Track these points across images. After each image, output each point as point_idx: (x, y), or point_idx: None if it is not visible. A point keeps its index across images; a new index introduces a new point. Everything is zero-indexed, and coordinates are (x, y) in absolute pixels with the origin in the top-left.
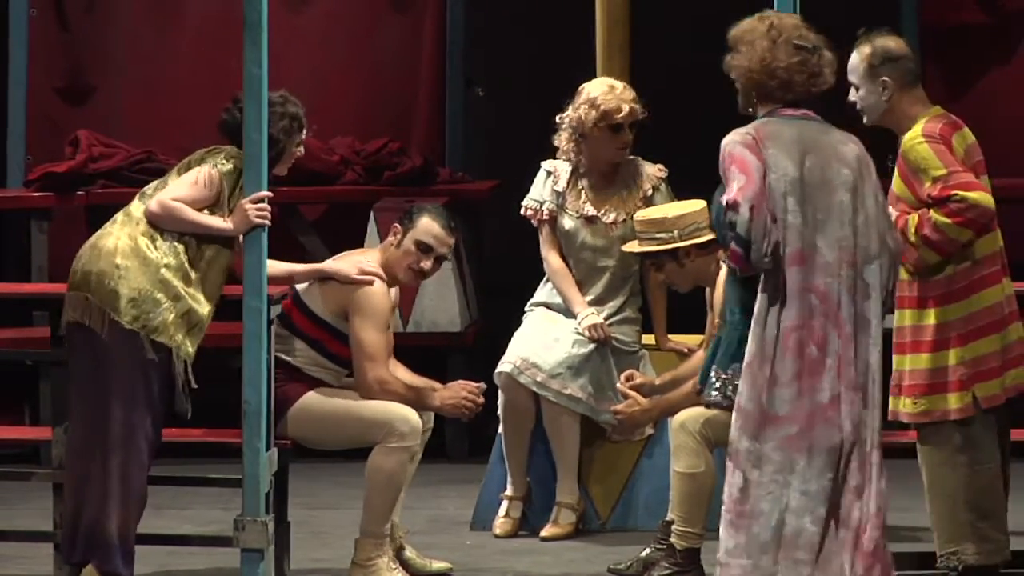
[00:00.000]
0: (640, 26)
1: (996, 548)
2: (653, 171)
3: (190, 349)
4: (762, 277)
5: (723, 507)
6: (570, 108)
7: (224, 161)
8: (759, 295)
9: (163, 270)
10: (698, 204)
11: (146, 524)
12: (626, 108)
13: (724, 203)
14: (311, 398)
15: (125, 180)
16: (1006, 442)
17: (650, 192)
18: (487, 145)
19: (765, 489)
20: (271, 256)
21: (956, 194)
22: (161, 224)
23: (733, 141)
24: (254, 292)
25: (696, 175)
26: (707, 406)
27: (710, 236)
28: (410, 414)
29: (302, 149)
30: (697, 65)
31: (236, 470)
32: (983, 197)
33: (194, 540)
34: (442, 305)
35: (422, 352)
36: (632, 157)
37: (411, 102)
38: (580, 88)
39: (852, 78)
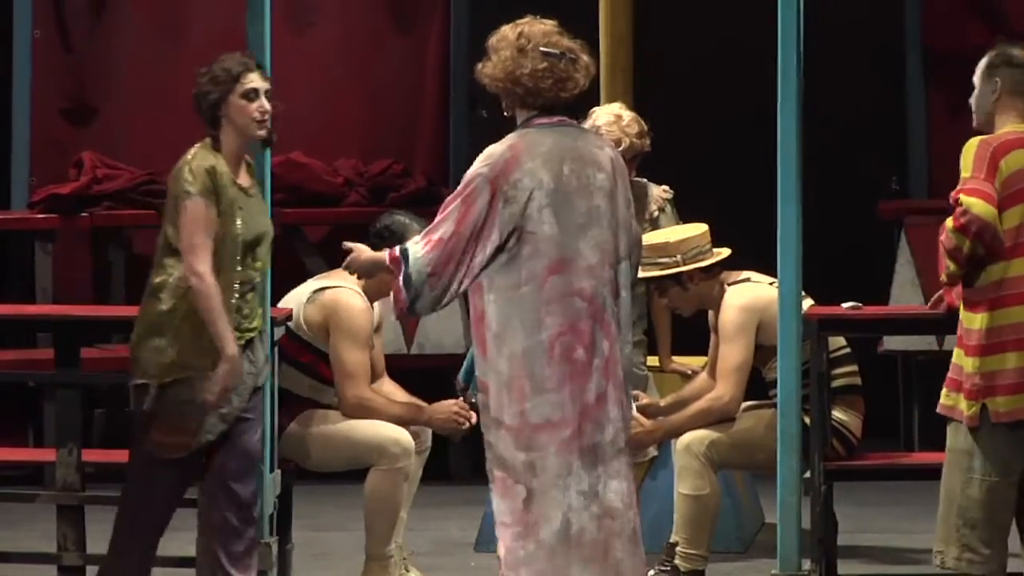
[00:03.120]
0: (643, 47)
1: (979, 560)
2: (658, 192)
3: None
4: (502, 299)
5: (505, 522)
6: None
7: (189, 180)
8: (505, 314)
9: None
10: (700, 228)
11: None
12: (626, 142)
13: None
14: (304, 421)
15: (129, 201)
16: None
17: (656, 213)
18: None
19: (547, 496)
20: (274, 278)
21: (960, 198)
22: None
23: (479, 173)
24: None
25: (700, 195)
26: (472, 406)
27: (713, 259)
28: (401, 435)
29: (257, 107)
30: (700, 85)
31: None
32: (982, 207)
33: None
34: (446, 327)
35: (426, 374)
36: (638, 179)
37: (415, 123)
38: (591, 111)
39: (974, 79)
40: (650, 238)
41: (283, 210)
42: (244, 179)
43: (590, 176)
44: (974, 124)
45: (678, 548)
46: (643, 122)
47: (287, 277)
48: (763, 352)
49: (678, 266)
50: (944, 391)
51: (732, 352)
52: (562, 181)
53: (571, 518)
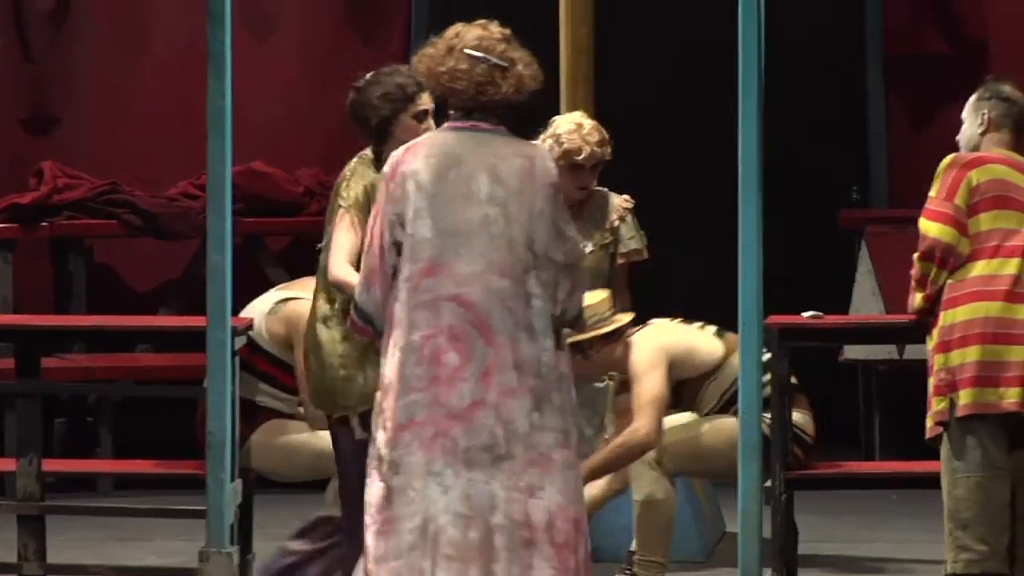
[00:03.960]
0: (604, 56)
1: (976, 558)
2: (620, 202)
3: None
4: (392, 298)
5: (367, 519)
6: (539, 138)
7: (344, 196)
8: (391, 312)
9: None
10: (600, 295)
11: (111, 556)
12: (587, 151)
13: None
14: (266, 431)
15: (90, 211)
16: (1020, 461)
17: (616, 223)
18: None
19: (407, 494)
20: (235, 288)
21: (919, 223)
22: None
23: (383, 173)
24: (218, 324)
25: (661, 204)
26: None
27: (614, 326)
28: None
29: (426, 128)
30: (661, 95)
31: (200, 501)
32: (939, 230)
33: (158, 572)
34: None
35: None
36: (600, 188)
37: None
38: (552, 119)
39: (963, 114)
40: None
41: (243, 220)
42: None
43: (480, 185)
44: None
45: (635, 556)
46: (604, 131)
47: (248, 287)
48: (688, 387)
49: (577, 334)
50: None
51: (646, 386)
52: (444, 186)
53: (430, 518)
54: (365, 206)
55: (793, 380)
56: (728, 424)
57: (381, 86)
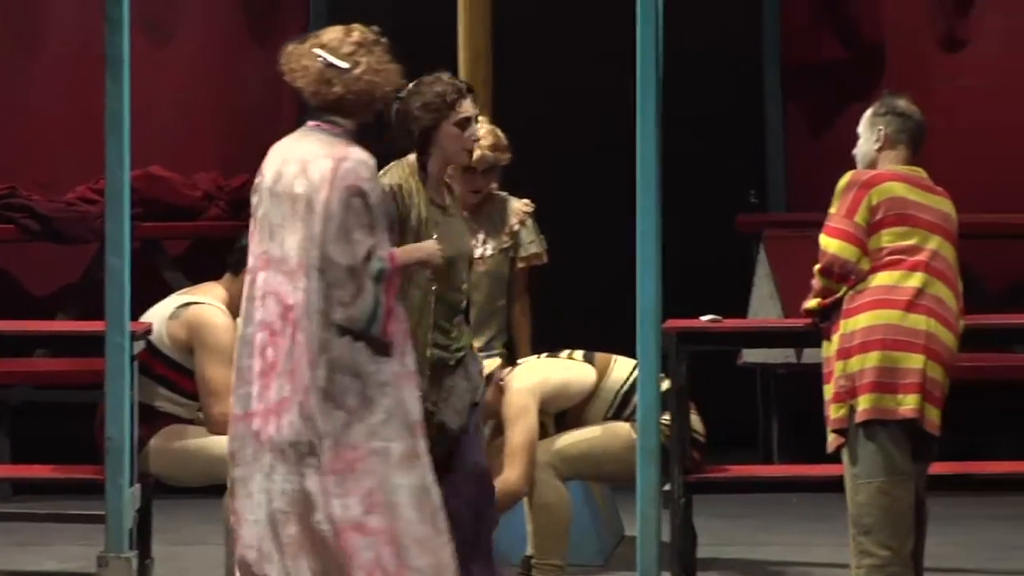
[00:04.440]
0: (502, 61)
1: (879, 563)
2: (519, 206)
3: None
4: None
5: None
6: None
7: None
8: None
9: None
10: None
11: (10, 561)
12: (477, 153)
13: None
14: (166, 436)
15: None
16: (922, 469)
17: (516, 227)
18: None
19: (246, 486)
20: (134, 292)
21: (820, 239)
22: None
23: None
24: (116, 328)
25: (560, 208)
26: None
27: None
28: None
29: (469, 135)
30: (560, 98)
31: (99, 506)
32: (838, 247)
33: None
34: None
35: None
36: (499, 192)
37: (274, 137)
38: None
39: (858, 128)
40: None
41: (142, 224)
42: (444, 198)
43: (295, 181)
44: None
45: (533, 560)
46: (502, 135)
47: (146, 291)
48: (569, 415)
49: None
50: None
51: (516, 433)
52: (277, 182)
53: (264, 507)
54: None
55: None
56: (624, 429)
57: (421, 96)
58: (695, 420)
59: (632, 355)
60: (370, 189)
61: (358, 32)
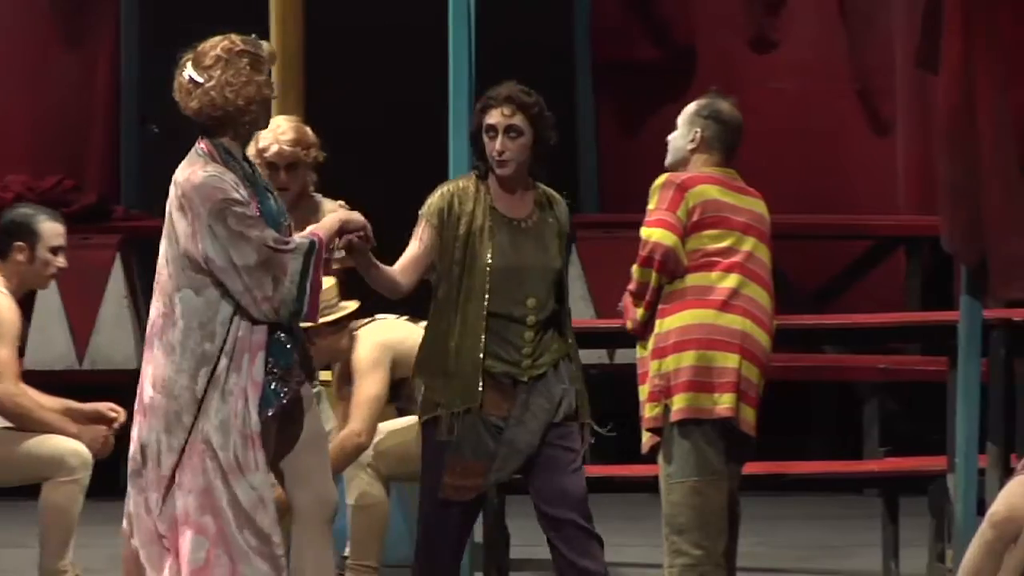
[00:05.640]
0: (314, 64)
1: (691, 563)
2: (332, 207)
3: None
4: None
5: None
6: None
7: (427, 202)
8: None
9: None
10: (328, 281)
11: None
12: (275, 148)
13: None
14: None
15: None
16: (737, 469)
17: None
18: (163, 182)
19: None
20: None
21: (641, 231)
22: None
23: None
24: None
25: (373, 210)
26: None
27: (340, 313)
28: (79, 447)
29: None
30: (373, 101)
31: None
32: (662, 234)
33: None
34: (117, 341)
35: (98, 389)
36: (313, 194)
37: (85, 139)
38: None
39: (678, 119)
40: None
41: None
42: (520, 210)
43: (169, 197)
44: (666, 163)
45: (348, 560)
46: (309, 131)
47: None
48: (407, 384)
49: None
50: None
51: (366, 385)
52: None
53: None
54: (440, 212)
55: None
56: None
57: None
58: None
59: None
60: (238, 196)
61: (226, 43)
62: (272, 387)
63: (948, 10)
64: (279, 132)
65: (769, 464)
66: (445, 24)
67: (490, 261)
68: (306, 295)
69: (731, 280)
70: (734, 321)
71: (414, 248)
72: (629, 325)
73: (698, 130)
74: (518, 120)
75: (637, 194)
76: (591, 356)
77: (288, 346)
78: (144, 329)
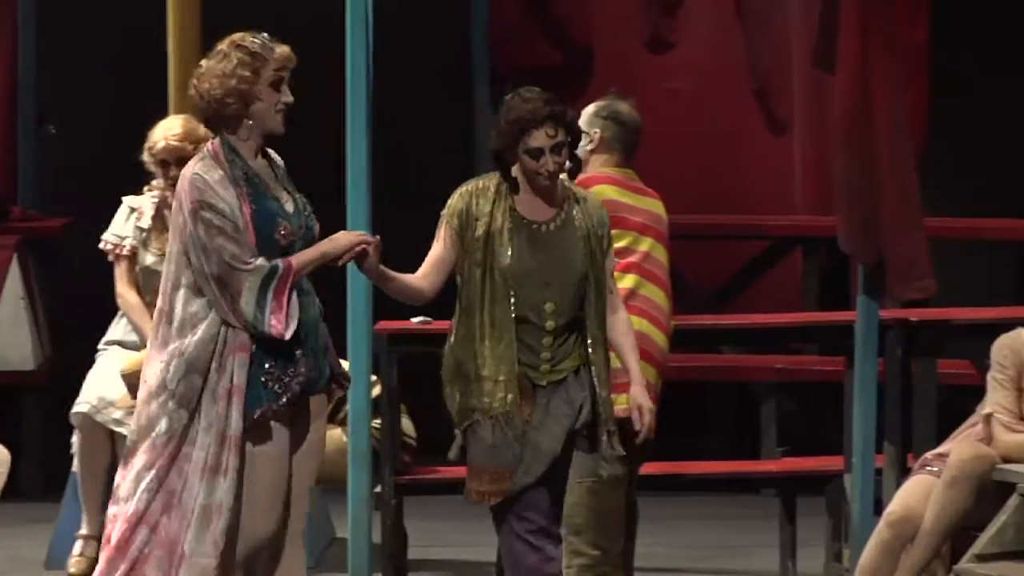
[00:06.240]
0: None
1: (589, 563)
2: None
3: None
4: None
5: None
6: None
7: (448, 203)
8: None
9: None
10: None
11: None
12: (162, 144)
13: None
14: None
15: None
16: (634, 469)
17: None
18: (60, 182)
19: None
20: None
21: None
22: None
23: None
24: None
25: None
26: None
27: None
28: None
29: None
30: None
31: None
32: None
33: None
34: (14, 342)
35: None
36: None
37: None
38: None
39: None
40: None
41: None
42: (544, 214)
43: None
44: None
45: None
46: (201, 129)
47: None
48: None
49: None
50: None
51: None
52: None
53: None
54: (459, 213)
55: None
56: (335, 433)
57: (512, 110)
58: (406, 423)
59: (343, 357)
60: (214, 199)
61: (236, 37)
62: (268, 387)
63: (845, 10)
64: (168, 130)
65: (667, 464)
66: (343, 28)
67: (507, 264)
68: (264, 316)
69: (628, 280)
70: (632, 322)
71: (436, 251)
72: None
73: (597, 131)
74: (561, 136)
75: None
76: None
77: (292, 346)
78: (39, 330)
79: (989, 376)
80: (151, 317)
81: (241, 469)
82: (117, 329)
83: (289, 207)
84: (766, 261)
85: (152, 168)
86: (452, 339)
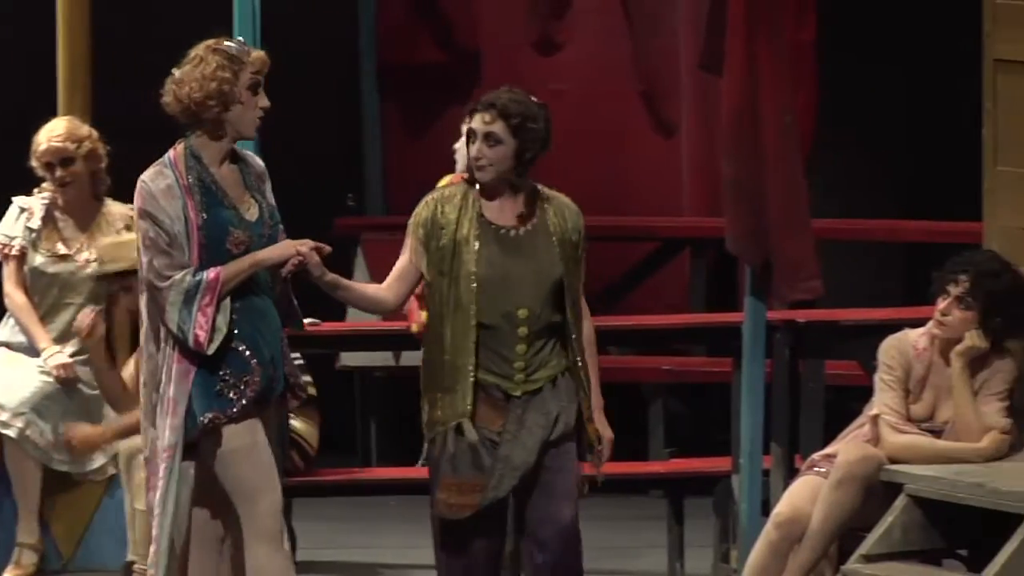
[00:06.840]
0: (102, 65)
1: None
2: (124, 211)
3: None
4: None
5: None
6: None
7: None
8: None
9: None
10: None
11: None
12: (44, 146)
13: None
14: None
15: None
16: None
17: (123, 232)
18: None
19: None
20: None
21: None
22: None
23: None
24: None
25: None
26: None
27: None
28: None
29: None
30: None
31: None
32: None
33: None
34: None
35: None
36: (105, 199)
37: None
38: None
39: (463, 127)
40: (112, 239)
41: None
42: (510, 218)
43: None
44: (457, 170)
45: (135, 566)
46: (83, 129)
47: None
48: None
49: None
50: None
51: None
52: None
53: None
54: (424, 222)
55: (312, 391)
56: None
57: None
58: (310, 432)
59: None
60: (154, 209)
61: (211, 42)
62: (222, 394)
63: (732, 12)
64: (50, 131)
65: None
66: (231, 23)
67: (475, 270)
68: (188, 329)
69: None
70: None
71: (401, 261)
72: (414, 328)
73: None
74: (497, 128)
75: (422, 196)
76: (377, 358)
77: (247, 354)
78: None
79: (876, 377)
80: (39, 318)
81: (169, 479)
82: (4, 330)
83: (251, 214)
84: (654, 262)
85: (39, 171)
86: (423, 351)
